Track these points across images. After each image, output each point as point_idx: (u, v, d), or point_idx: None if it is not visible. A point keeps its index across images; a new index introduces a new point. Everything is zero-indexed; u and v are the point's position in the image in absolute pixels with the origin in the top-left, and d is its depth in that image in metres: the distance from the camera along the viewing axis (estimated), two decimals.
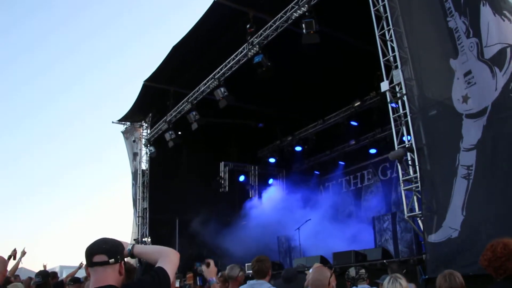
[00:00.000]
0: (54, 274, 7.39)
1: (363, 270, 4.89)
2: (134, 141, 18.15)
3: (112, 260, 2.02)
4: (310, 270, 4.19)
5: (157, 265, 2.19)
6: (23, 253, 6.77)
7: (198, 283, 3.07)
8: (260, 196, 18.79)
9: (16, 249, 6.73)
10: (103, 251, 2.03)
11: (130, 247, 2.39)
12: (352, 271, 4.87)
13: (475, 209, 6.65)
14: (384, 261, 8.60)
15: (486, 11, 6.59)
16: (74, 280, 6.24)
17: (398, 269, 6.93)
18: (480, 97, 6.63)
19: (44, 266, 8.25)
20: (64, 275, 12.48)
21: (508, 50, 6.31)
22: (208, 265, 3.28)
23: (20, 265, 7.65)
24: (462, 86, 6.87)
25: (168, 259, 2.24)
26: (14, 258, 6.65)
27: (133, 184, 18.42)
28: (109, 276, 2.01)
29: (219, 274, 4.90)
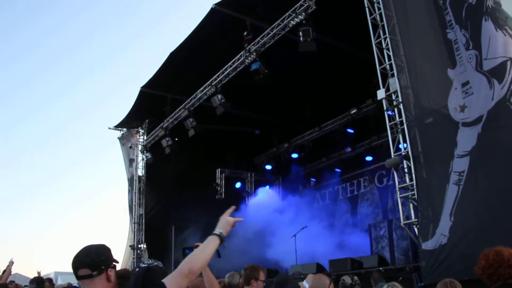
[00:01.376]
0: (49, 280, 7.33)
1: (356, 277, 4.89)
2: (130, 147, 18.12)
3: (95, 273, 2.05)
4: (304, 283, 4.22)
5: (163, 280, 2.02)
6: (11, 262, 6.80)
7: None
8: (256, 203, 18.74)
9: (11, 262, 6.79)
10: (85, 264, 2.07)
11: (217, 232, 2.30)
12: (347, 279, 4.85)
13: (463, 214, 6.73)
14: (381, 268, 8.60)
15: (488, 26, 6.68)
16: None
17: (380, 278, 6.96)
18: (476, 106, 6.71)
19: (38, 273, 8.16)
20: (59, 281, 12.40)
21: (508, 63, 6.41)
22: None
23: (14, 272, 7.62)
24: (459, 96, 6.94)
25: (178, 279, 2.03)
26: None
27: (129, 190, 18.37)
28: (98, 286, 2.06)
29: (218, 280, 4.92)
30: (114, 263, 2.18)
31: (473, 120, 6.69)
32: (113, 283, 2.12)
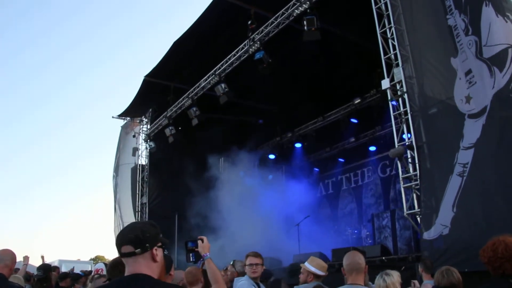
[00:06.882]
0: (55, 268, 7.38)
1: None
2: (134, 136, 18.15)
3: (138, 250, 1.92)
4: (305, 263, 4.27)
5: None
6: (26, 258, 6.85)
7: (191, 259, 3.19)
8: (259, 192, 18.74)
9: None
10: (128, 241, 1.94)
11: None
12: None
13: (467, 206, 6.71)
14: (383, 258, 8.64)
15: (488, 11, 6.59)
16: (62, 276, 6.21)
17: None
18: (480, 97, 6.66)
19: (42, 257, 8.15)
20: (63, 269, 12.50)
21: (510, 50, 6.32)
22: (202, 241, 3.31)
23: (18, 260, 7.65)
24: (464, 86, 6.88)
25: None
26: None
27: (113, 177, 18.55)
28: (141, 265, 1.93)
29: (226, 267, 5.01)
30: (161, 242, 2.02)
31: (478, 111, 6.65)
32: (159, 264, 1.98)
